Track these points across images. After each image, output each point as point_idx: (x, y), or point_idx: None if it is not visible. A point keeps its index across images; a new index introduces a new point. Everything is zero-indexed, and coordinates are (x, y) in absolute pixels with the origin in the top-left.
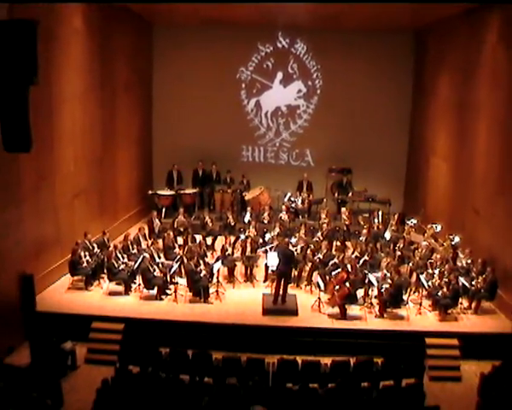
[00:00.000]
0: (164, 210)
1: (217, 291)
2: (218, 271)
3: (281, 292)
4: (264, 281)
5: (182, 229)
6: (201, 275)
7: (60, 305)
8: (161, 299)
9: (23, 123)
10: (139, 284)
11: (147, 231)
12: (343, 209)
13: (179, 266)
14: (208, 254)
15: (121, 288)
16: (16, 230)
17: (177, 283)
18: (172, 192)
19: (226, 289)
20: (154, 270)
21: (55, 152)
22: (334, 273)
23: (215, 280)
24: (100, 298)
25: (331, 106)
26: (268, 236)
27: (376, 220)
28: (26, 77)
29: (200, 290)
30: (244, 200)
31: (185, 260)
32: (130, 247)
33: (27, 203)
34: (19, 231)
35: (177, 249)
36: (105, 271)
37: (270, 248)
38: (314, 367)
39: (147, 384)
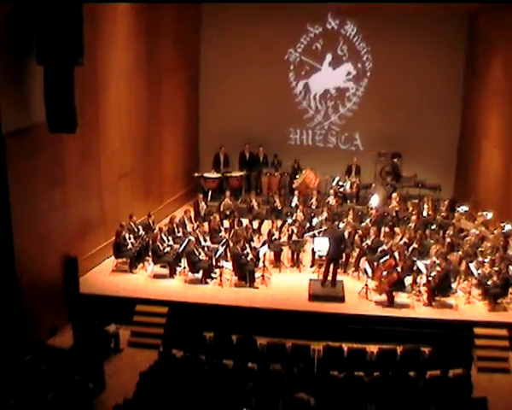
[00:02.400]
0: (210, 193)
1: (262, 276)
2: (265, 255)
3: (329, 277)
4: (311, 266)
5: (228, 212)
6: (247, 259)
7: (103, 287)
8: (206, 283)
9: (68, 104)
10: (184, 268)
11: (192, 214)
12: (393, 195)
13: (225, 250)
14: (254, 238)
15: (166, 271)
16: (60, 211)
17: (222, 266)
18: (219, 175)
19: (272, 274)
20: (200, 253)
21: (100, 132)
22: (382, 260)
23: (261, 264)
24: (144, 281)
25: (381, 89)
26: (315, 220)
27: (426, 206)
28: (71, 57)
29: (245, 275)
30: (293, 182)
31: (231, 244)
32: (176, 230)
33: (72, 184)
34: (63, 213)
35: (222, 233)
36: (150, 253)
37: (318, 233)
38: (360, 355)
39: (190, 369)
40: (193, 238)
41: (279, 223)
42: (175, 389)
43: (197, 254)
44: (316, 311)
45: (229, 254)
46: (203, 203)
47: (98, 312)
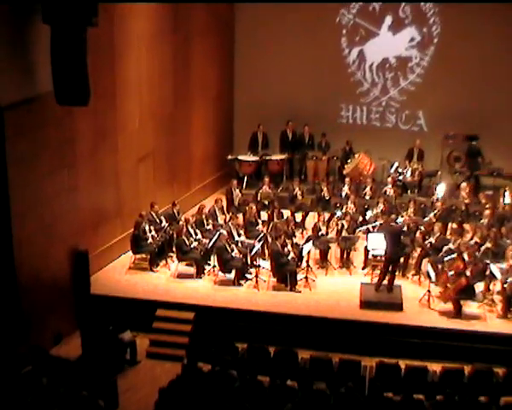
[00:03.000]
0: (246, 179)
1: (306, 278)
2: (309, 253)
3: (386, 281)
4: (363, 268)
5: (266, 202)
6: (288, 258)
7: (119, 288)
8: (240, 284)
9: (79, 71)
10: (214, 266)
11: (225, 204)
12: (462, 185)
13: (262, 247)
14: (297, 233)
15: (192, 270)
16: (69, 198)
17: (259, 266)
18: (256, 158)
19: (317, 276)
20: (232, 250)
21: (117, 106)
22: (447, 261)
23: (304, 264)
24: (167, 281)
25: (450, 59)
26: (369, 213)
27: (502, 200)
28: (83, 16)
29: (285, 276)
30: (344, 167)
31: (269, 240)
32: (205, 221)
33: (83, 167)
34: (72, 200)
35: (260, 226)
36: (174, 249)
37: (372, 229)
38: (420, 374)
39: (219, 385)
40: (224, 232)
41: (326, 216)
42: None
43: (229, 250)
44: (368, 320)
45: (266, 252)
46: (237, 191)
47: (112, 316)
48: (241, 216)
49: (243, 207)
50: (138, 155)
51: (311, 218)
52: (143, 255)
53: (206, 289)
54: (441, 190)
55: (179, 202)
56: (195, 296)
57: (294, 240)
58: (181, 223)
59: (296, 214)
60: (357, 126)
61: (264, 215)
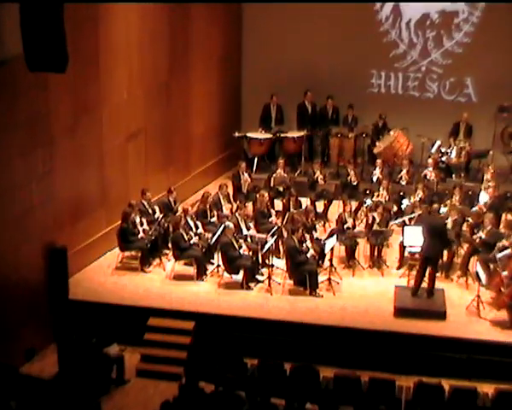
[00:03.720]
0: (256, 161)
1: (329, 280)
2: (332, 250)
3: (425, 283)
4: (398, 268)
5: (281, 188)
6: (307, 256)
7: (103, 292)
8: (249, 288)
9: (55, 31)
10: (218, 266)
11: (231, 191)
12: None
13: (276, 242)
14: (318, 225)
15: (192, 270)
16: (44, 184)
17: (272, 265)
18: (269, 135)
19: (342, 278)
20: (240, 246)
21: (101, 75)
22: (501, 260)
23: (327, 264)
24: (161, 284)
25: (506, 13)
26: (406, 202)
27: None
28: None
29: (304, 278)
30: (375, 146)
31: (285, 234)
32: (208, 212)
33: (61, 147)
34: (47, 187)
35: (273, 218)
36: (169, 245)
37: (409, 221)
38: (468, 397)
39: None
40: (231, 225)
41: (354, 205)
42: None
43: (236, 247)
44: (404, 332)
45: (281, 249)
46: (246, 175)
47: (95, 327)
48: (250, 205)
49: (253, 195)
50: (127, 132)
51: (335, 207)
52: (133, 253)
53: (209, 293)
54: (492, 173)
55: (176, 189)
56: (196, 302)
57: (315, 234)
58: (178, 214)
59: (317, 203)
60: (391, 97)
61: (278, 204)
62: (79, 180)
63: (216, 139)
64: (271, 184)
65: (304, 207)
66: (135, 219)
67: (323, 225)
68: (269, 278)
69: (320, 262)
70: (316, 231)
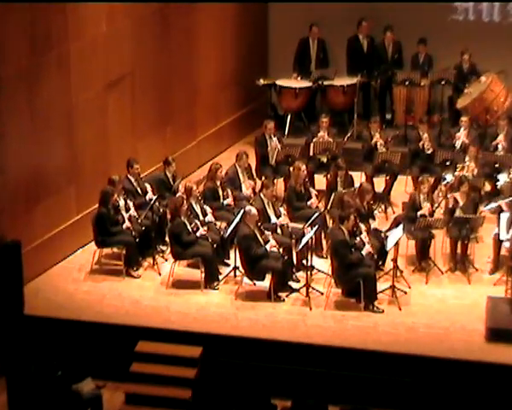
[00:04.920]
0: (289, 120)
1: (392, 288)
2: (397, 246)
3: None
4: (492, 272)
5: (324, 159)
6: (362, 254)
7: (72, 305)
8: (279, 299)
9: None
10: (235, 268)
11: (254, 163)
12: None
13: (317, 235)
14: (377, 211)
15: (199, 274)
16: None
17: (312, 268)
18: (307, 83)
19: (411, 286)
20: (267, 240)
21: None
22: None
23: (390, 265)
24: (155, 293)
25: None
26: (503, 178)
27: None
28: None
29: (358, 285)
30: (458, 98)
31: (330, 224)
32: (220, 192)
33: (11, 100)
34: None
35: (313, 200)
36: (167, 238)
37: (508, 205)
38: None
39: None
40: (254, 210)
41: (428, 182)
42: None
43: (261, 241)
44: (500, 362)
45: (324, 244)
46: (275, 141)
47: (61, 354)
48: (280, 183)
49: (285, 168)
50: (106, 79)
51: (402, 185)
52: (115, 249)
53: (222, 306)
54: None
55: (176, 160)
56: (204, 319)
57: (372, 224)
58: (179, 195)
59: (375, 180)
60: (482, 26)
61: (320, 181)
62: (38, 148)
63: (232, 90)
64: (311, 153)
65: (357, 185)
66: (118, 202)
67: (385, 211)
68: (307, 285)
69: (380, 263)
70: (374, 219)
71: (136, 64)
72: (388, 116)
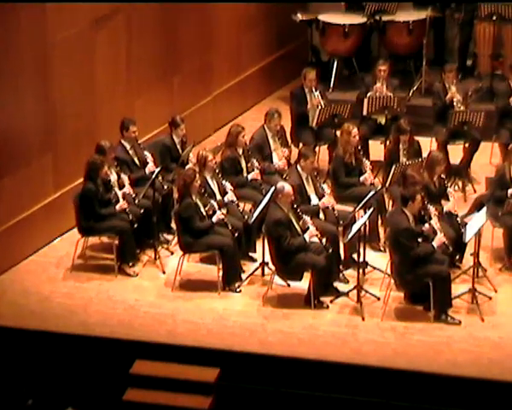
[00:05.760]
0: (336, 67)
1: (472, 292)
2: (479, 237)
3: None
4: None
5: (383, 120)
6: (433, 245)
7: (49, 311)
8: (320, 305)
9: None
10: (263, 264)
11: (289, 126)
12: None
13: (373, 221)
14: (452, 189)
15: (214, 271)
16: None
17: (365, 264)
18: (360, 19)
19: (497, 288)
20: (306, 227)
21: None
22: None
23: (469, 262)
24: (157, 297)
25: None
26: None
27: None
28: None
29: (426, 288)
30: None
31: (389, 205)
32: (243, 163)
33: None
34: None
35: (367, 174)
36: (173, 224)
37: None
38: None
39: None
40: (287, 187)
41: None
42: None
43: (298, 228)
44: None
45: (382, 233)
46: (316, 94)
47: (33, 375)
48: (324, 151)
49: (329, 132)
50: (93, 12)
51: (486, 156)
52: (105, 238)
53: (246, 314)
54: None
55: (187, 120)
56: (221, 332)
57: (446, 206)
58: (190, 166)
59: (450, 148)
60: None
61: (376, 149)
62: (2, 104)
63: (258, 28)
64: (364, 112)
65: (425, 154)
66: (109, 176)
67: (462, 189)
68: (358, 287)
69: (456, 258)
70: (448, 199)
71: None
72: (469, 62)
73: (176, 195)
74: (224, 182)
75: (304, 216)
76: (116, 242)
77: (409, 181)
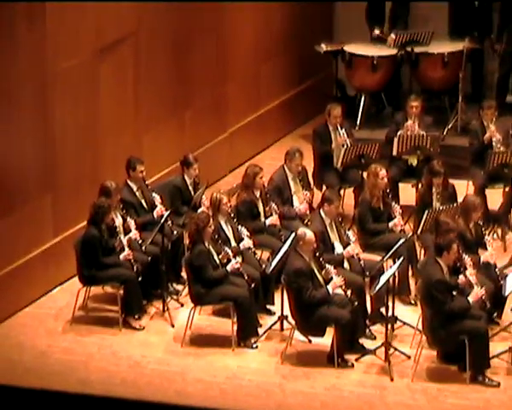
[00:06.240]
0: (363, 102)
1: None
2: None
3: None
4: None
5: (414, 160)
6: (469, 300)
7: (46, 369)
8: (344, 363)
9: None
10: (281, 318)
11: (311, 167)
12: None
13: (403, 271)
14: (491, 238)
15: (228, 325)
16: None
17: (394, 319)
18: (389, 50)
19: None
20: (330, 278)
21: None
22: None
23: (510, 317)
24: (165, 353)
25: None
26: None
27: None
28: None
29: (461, 346)
30: None
31: (420, 254)
32: (261, 206)
33: None
34: None
35: (397, 220)
36: (183, 273)
37: None
38: None
39: None
40: (309, 233)
41: None
42: None
43: (320, 279)
44: None
45: (413, 285)
46: (342, 133)
47: None
48: (349, 195)
49: (356, 174)
50: (99, 39)
51: None
52: (109, 289)
53: (263, 373)
54: None
55: (200, 159)
56: (235, 392)
57: (483, 256)
58: (202, 210)
59: (488, 192)
60: None
61: (407, 193)
62: (0, 140)
63: (279, 59)
64: (394, 152)
65: (461, 199)
66: (114, 221)
67: (502, 237)
68: (386, 344)
69: (495, 314)
70: (485, 248)
71: (142, 21)
72: (509, 98)
73: (187, 241)
74: (239, 227)
75: (327, 265)
76: (121, 292)
77: (442, 228)
